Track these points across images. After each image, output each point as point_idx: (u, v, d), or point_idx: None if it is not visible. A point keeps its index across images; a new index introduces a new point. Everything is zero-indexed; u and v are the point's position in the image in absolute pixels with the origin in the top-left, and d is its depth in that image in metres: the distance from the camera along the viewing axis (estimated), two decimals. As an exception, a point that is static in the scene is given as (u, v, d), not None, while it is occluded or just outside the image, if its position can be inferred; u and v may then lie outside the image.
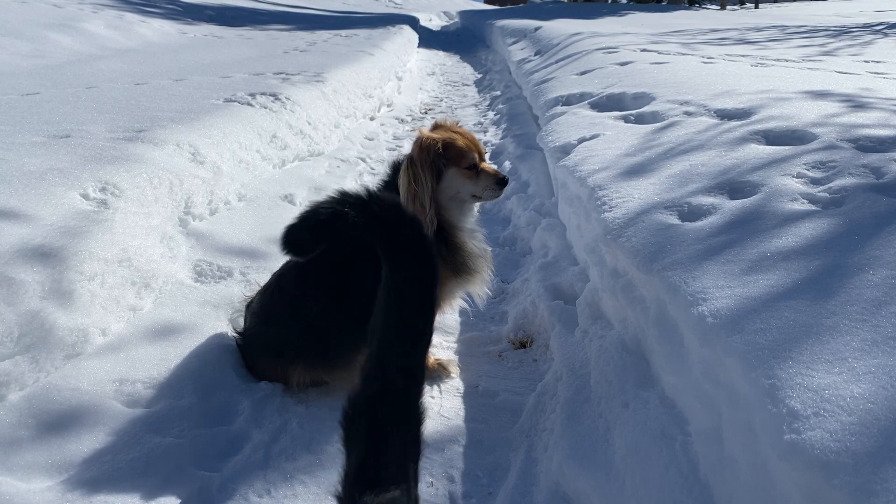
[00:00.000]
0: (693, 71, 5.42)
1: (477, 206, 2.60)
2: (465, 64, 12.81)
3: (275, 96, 5.29)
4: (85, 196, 2.83)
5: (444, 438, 2.23)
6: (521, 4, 31.68)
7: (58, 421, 2.01)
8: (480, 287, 2.58)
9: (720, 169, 2.77)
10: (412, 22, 17.41)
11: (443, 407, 2.41)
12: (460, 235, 2.50)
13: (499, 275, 3.36)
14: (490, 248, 2.68)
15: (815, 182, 2.49)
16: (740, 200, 2.43)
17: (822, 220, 2.15)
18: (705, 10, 22.50)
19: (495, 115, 7.50)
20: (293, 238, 0.98)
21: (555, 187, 4.09)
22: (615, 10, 20.37)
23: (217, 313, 2.73)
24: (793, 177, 2.55)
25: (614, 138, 3.62)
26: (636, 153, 3.26)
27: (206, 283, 2.97)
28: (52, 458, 1.90)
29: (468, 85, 10.18)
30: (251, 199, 3.91)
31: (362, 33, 12.64)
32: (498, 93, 8.86)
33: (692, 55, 7.06)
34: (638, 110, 4.22)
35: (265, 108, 5.01)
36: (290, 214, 4.29)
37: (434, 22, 25.52)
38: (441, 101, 8.73)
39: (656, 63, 6.04)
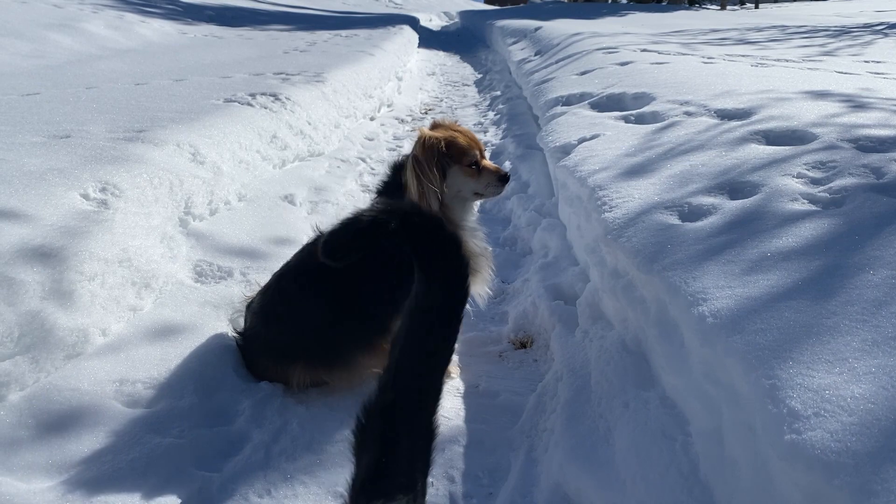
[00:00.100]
0: (693, 71, 5.41)
1: (477, 204, 2.60)
2: (466, 64, 12.80)
3: (275, 96, 5.29)
4: (85, 196, 2.83)
5: (445, 438, 2.23)
6: (522, 4, 31.67)
7: (58, 421, 2.01)
8: (481, 287, 2.58)
9: (720, 169, 2.77)
10: (412, 22, 17.39)
11: (443, 407, 2.40)
12: (462, 234, 2.50)
13: (499, 275, 3.36)
14: (490, 248, 2.68)
15: (815, 182, 2.49)
16: (740, 200, 2.43)
17: (822, 220, 2.15)
18: (705, 11, 22.49)
19: (495, 115, 7.49)
20: (335, 244, 0.98)
21: (555, 187, 4.09)
22: (615, 10, 20.36)
23: (217, 313, 2.72)
24: (793, 177, 2.55)
25: (614, 138, 3.62)
26: (636, 153, 3.26)
27: (207, 283, 2.97)
28: (53, 458, 1.90)
29: (468, 85, 10.17)
30: (251, 199, 3.91)
31: (362, 33, 12.63)
32: (498, 93, 8.85)
33: (692, 55, 7.06)
34: (638, 110, 4.21)
35: (265, 108, 5.01)
36: (291, 215, 4.27)
37: (434, 22, 25.49)
38: (441, 101, 8.72)
39: (656, 63, 6.03)
